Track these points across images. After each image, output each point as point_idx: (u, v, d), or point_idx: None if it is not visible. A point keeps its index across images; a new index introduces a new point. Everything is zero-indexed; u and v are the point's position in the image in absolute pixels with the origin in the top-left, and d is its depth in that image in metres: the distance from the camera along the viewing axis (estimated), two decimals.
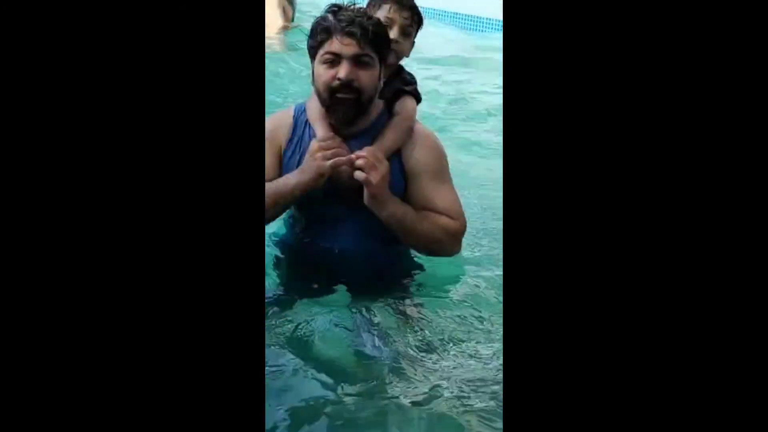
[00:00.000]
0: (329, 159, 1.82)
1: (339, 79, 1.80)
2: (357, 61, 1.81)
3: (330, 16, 1.83)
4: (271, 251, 2.08)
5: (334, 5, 1.87)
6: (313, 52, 1.86)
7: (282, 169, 1.96)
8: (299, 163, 1.91)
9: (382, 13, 2.04)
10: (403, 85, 2.06)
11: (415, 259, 2.08)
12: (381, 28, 1.87)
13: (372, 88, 1.85)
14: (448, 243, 1.97)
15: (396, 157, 1.93)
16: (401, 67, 2.14)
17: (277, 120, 2.02)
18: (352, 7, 1.86)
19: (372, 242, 1.95)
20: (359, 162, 1.81)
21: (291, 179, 1.87)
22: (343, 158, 1.83)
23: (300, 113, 2.00)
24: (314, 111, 1.94)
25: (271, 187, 1.86)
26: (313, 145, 1.85)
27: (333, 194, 1.89)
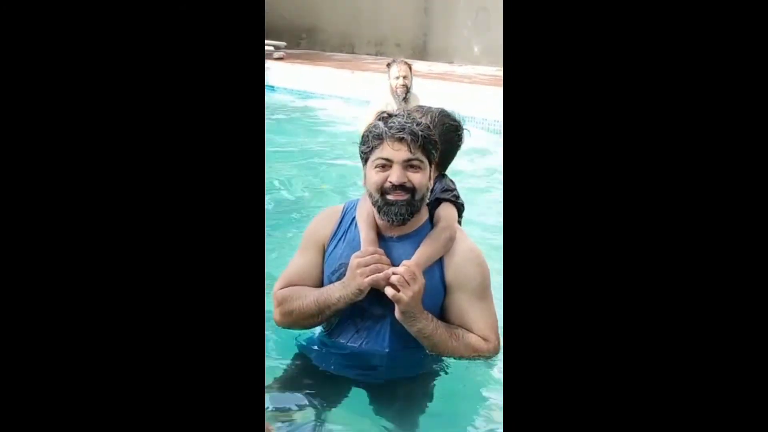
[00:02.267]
0: (368, 276, 1.86)
1: (391, 182, 1.85)
2: (408, 165, 1.86)
3: (381, 124, 1.89)
4: (295, 341, 2.11)
5: (385, 113, 1.93)
6: (365, 157, 1.92)
7: (324, 264, 2.01)
8: (341, 256, 1.96)
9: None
10: (443, 192, 2.09)
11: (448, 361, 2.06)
12: (430, 133, 1.91)
13: (424, 187, 1.90)
14: (477, 360, 1.97)
15: (438, 265, 1.94)
16: (442, 174, 2.18)
17: (323, 217, 2.11)
18: (402, 113, 1.92)
19: (402, 345, 1.95)
20: (393, 279, 1.84)
21: (335, 291, 1.92)
22: (381, 275, 1.86)
23: (350, 209, 2.06)
24: (362, 212, 1.99)
25: (319, 296, 1.94)
26: (353, 260, 1.89)
27: (371, 295, 1.91)
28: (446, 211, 2.04)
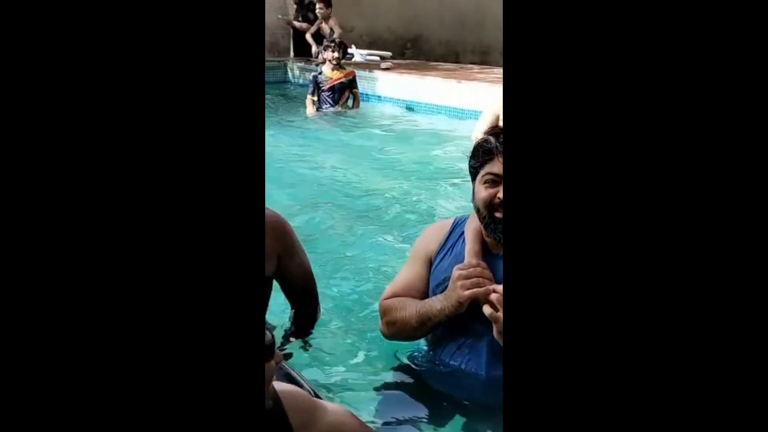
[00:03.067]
0: (468, 288, 1.85)
1: (500, 198, 1.85)
2: None
3: (492, 139, 1.90)
4: (400, 353, 2.14)
5: (497, 128, 1.95)
6: (474, 172, 1.94)
7: (430, 276, 2.04)
8: (446, 269, 1.98)
9: None
10: None
11: None
12: None
13: None
14: None
15: None
16: None
17: (431, 231, 2.14)
18: None
19: (500, 367, 1.91)
20: (492, 297, 1.82)
21: (436, 303, 1.93)
22: (481, 290, 1.84)
23: (459, 223, 2.08)
24: (470, 228, 2.01)
25: (421, 307, 1.96)
26: (455, 272, 1.90)
27: (473, 311, 1.90)
28: None
